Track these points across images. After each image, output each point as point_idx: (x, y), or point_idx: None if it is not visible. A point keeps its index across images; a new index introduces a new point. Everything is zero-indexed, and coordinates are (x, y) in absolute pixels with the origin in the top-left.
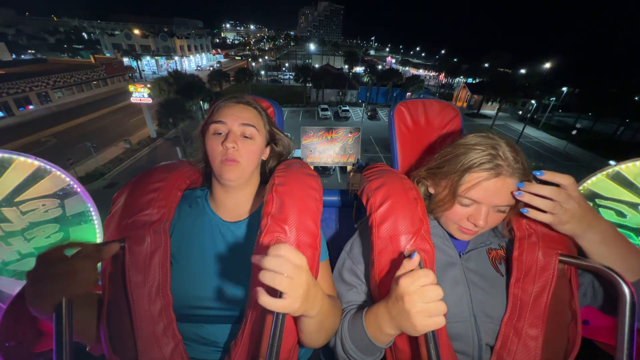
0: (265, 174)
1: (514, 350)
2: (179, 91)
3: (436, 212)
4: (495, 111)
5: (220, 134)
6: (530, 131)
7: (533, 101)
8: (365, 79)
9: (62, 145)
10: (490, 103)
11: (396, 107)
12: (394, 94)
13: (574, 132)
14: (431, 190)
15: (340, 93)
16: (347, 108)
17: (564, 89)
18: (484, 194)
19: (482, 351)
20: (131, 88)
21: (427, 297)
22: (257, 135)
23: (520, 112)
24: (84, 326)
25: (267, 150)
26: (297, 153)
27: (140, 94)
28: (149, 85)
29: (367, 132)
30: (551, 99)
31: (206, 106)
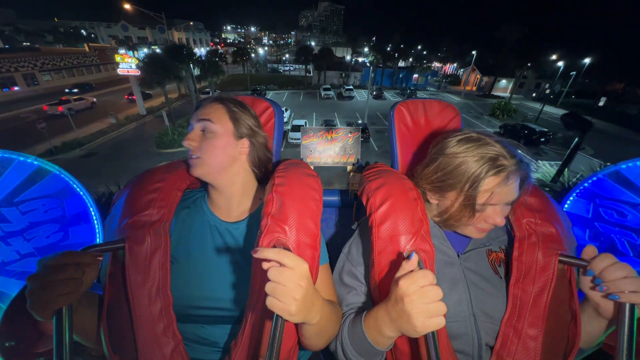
0: (259, 172)
1: (513, 350)
2: (167, 52)
3: (455, 226)
4: (509, 93)
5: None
6: (549, 109)
7: (560, 63)
8: (370, 58)
9: (42, 121)
10: (504, 81)
11: (396, 107)
12: (400, 75)
13: (601, 103)
14: (433, 201)
15: (343, 75)
16: (351, 87)
17: (586, 60)
18: (501, 197)
19: (482, 351)
20: (118, 58)
21: (426, 297)
22: (217, 129)
23: (535, 95)
24: (84, 326)
25: (244, 143)
26: (297, 122)
27: (127, 65)
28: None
29: (373, 109)
30: (571, 73)
31: (197, 72)
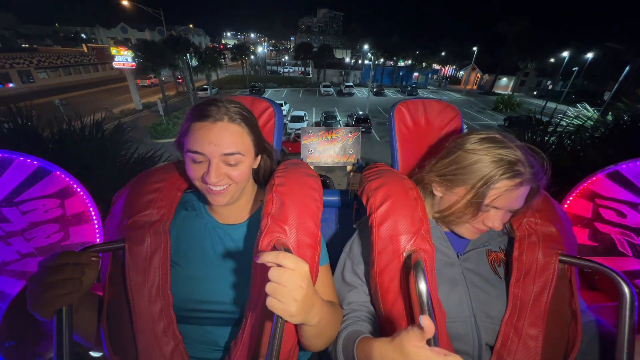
0: (259, 177)
1: (514, 350)
2: (163, 41)
3: (454, 223)
4: (510, 90)
5: (200, 162)
6: (552, 105)
7: (565, 53)
8: (370, 54)
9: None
10: (505, 79)
11: (396, 107)
12: (400, 74)
13: (606, 97)
14: (437, 194)
15: (343, 73)
16: (351, 84)
17: (589, 55)
18: (507, 202)
19: (482, 351)
20: (113, 51)
21: None
22: (244, 159)
23: (536, 92)
24: (84, 326)
25: (258, 159)
26: (296, 113)
27: (123, 58)
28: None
29: (374, 105)
30: (574, 69)
31: (194, 62)
